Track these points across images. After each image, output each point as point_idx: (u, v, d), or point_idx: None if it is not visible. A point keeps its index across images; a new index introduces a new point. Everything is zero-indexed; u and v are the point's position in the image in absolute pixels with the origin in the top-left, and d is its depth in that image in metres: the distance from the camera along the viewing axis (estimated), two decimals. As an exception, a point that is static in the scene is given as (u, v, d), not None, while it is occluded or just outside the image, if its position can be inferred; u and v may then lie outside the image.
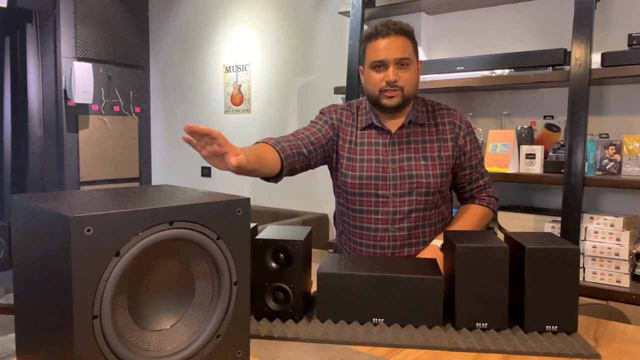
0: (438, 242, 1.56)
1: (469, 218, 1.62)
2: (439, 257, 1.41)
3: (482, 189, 1.67)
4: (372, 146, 1.61)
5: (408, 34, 1.56)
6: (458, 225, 1.60)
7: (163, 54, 4.44)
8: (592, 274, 2.11)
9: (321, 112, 1.69)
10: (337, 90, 2.84)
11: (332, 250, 2.03)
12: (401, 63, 1.53)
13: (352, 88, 2.69)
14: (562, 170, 2.16)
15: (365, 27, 2.73)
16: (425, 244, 1.59)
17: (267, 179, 1.47)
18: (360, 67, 1.64)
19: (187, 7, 4.23)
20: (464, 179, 1.65)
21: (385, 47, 1.53)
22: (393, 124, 1.61)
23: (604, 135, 2.23)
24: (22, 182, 4.25)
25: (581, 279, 2.13)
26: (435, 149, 1.59)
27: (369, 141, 1.62)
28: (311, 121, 1.68)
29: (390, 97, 1.54)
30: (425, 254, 1.53)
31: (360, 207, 1.60)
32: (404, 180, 1.56)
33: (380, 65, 1.54)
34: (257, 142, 1.49)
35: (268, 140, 1.48)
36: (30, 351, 0.89)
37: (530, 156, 2.32)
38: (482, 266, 1.13)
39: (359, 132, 1.63)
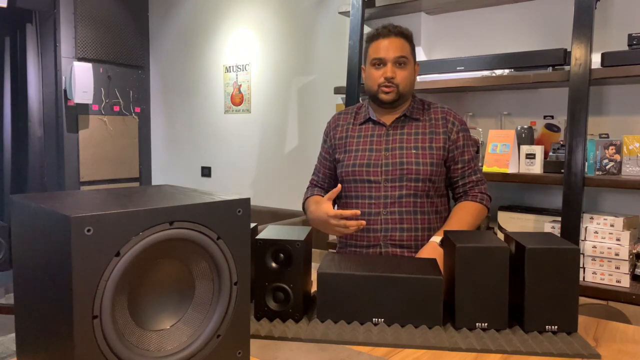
0: (437, 238, 1.57)
1: (463, 215, 1.66)
2: (439, 254, 1.44)
3: (474, 184, 1.72)
4: (367, 138, 1.74)
5: (407, 36, 1.71)
6: (453, 222, 1.64)
7: (163, 54, 4.44)
8: (592, 274, 2.11)
9: (324, 131, 1.87)
10: (337, 90, 2.84)
11: (332, 250, 2.03)
12: (399, 62, 1.67)
13: (352, 88, 2.68)
14: (562, 170, 2.16)
15: (366, 27, 2.73)
16: (417, 230, 1.66)
17: None
18: (363, 66, 1.79)
19: (187, 7, 4.23)
20: (456, 173, 1.72)
21: (385, 47, 1.67)
22: (389, 118, 1.74)
23: (604, 135, 2.23)
24: (22, 182, 4.25)
25: (581, 279, 2.13)
26: (427, 140, 1.69)
27: (365, 134, 1.75)
28: (321, 146, 1.88)
29: (387, 93, 1.68)
30: (425, 250, 1.55)
31: (356, 193, 1.72)
32: (395, 167, 1.67)
33: (380, 63, 1.68)
34: (307, 197, 1.83)
35: (319, 193, 1.84)
36: (30, 351, 0.89)
37: (530, 156, 2.32)
38: (482, 266, 1.13)
39: (356, 127, 1.78)
